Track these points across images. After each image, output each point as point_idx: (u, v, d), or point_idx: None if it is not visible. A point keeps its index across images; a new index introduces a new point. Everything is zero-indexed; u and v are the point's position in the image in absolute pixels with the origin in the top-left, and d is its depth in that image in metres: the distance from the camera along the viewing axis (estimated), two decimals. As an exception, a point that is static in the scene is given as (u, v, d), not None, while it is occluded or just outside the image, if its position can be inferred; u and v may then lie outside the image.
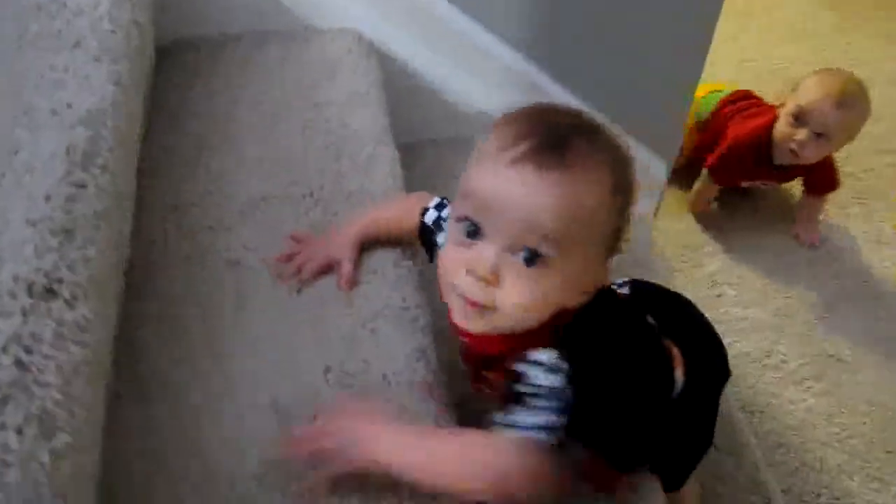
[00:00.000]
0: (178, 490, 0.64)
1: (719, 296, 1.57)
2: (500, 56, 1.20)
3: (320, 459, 0.63)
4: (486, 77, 1.21)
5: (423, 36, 1.14)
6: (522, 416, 0.62)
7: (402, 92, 1.15)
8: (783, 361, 1.45)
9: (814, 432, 1.35)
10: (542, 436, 0.62)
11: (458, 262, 0.62)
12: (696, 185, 1.65)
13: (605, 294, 0.69)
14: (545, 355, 0.63)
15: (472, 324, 0.64)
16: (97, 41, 0.71)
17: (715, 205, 1.68)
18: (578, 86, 1.27)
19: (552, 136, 0.60)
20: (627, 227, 0.65)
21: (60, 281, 0.54)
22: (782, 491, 1.23)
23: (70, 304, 0.53)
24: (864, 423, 1.36)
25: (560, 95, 1.26)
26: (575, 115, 0.65)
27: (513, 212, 0.59)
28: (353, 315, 0.78)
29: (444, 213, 0.77)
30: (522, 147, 0.60)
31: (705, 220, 1.67)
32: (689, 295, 1.53)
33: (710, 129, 1.64)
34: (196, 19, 1.04)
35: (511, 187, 0.59)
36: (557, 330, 0.64)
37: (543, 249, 0.60)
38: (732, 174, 1.61)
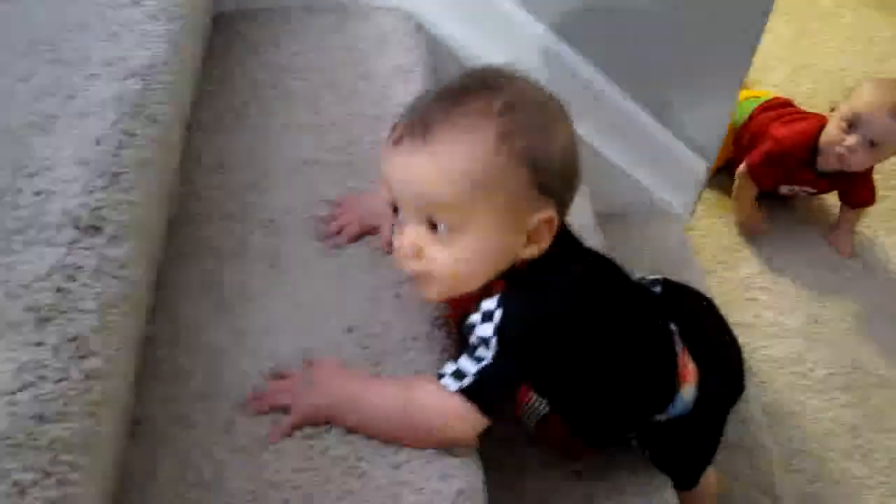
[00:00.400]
0: (200, 435, 0.68)
1: (752, 300, 1.56)
2: (549, 47, 1.21)
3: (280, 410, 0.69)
4: (534, 67, 1.22)
5: (472, 20, 1.16)
6: (463, 364, 0.67)
7: (447, 72, 1.18)
8: (811, 370, 1.44)
9: (837, 443, 1.34)
10: (468, 381, 0.66)
11: (396, 243, 0.68)
12: (735, 190, 1.62)
13: (566, 242, 0.71)
14: (489, 302, 0.67)
15: (426, 293, 0.69)
16: (155, 0, 0.74)
17: (766, 225, 1.64)
18: (623, 79, 1.27)
19: (419, 110, 0.65)
20: (549, 164, 0.65)
21: (104, 219, 0.57)
22: (798, 499, 1.23)
23: (112, 240, 0.57)
24: (890, 439, 1.34)
25: (605, 88, 1.27)
26: (461, 79, 0.67)
27: (402, 189, 0.65)
28: (380, 279, 0.81)
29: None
30: (398, 128, 0.65)
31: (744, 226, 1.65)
32: (721, 297, 1.53)
33: (745, 133, 1.62)
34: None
35: (393, 167, 0.65)
36: (511, 277, 0.67)
37: (442, 218, 0.63)
38: (773, 175, 1.59)
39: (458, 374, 0.66)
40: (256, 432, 0.69)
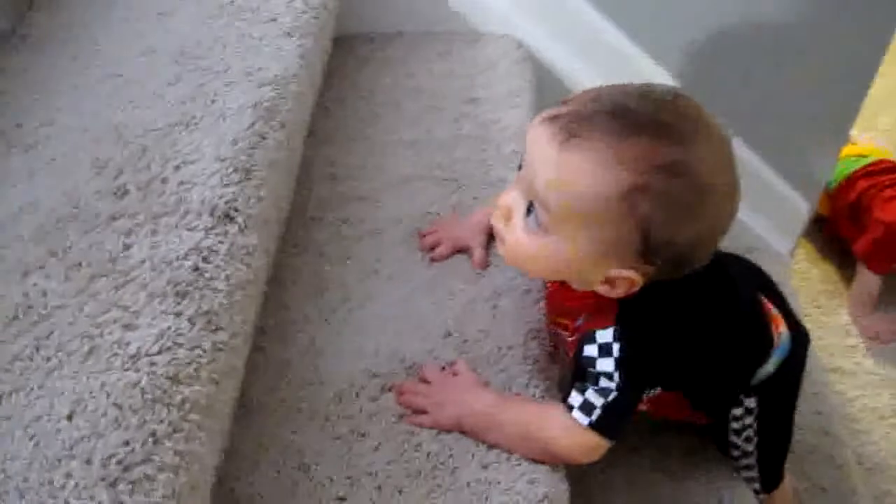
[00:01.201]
0: (301, 421, 0.72)
1: (852, 347, 1.52)
2: (655, 78, 1.23)
3: (413, 411, 0.73)
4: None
5: (580, 49, 1.20)
6: (591, 397, 0.68)
7: (554, 98, 1.21)
8: (913, 423, 1.38)
9: (934, 501, 1.28)
10: (598, 414, 0.67)
11: (501, 197, 0.69)
12: (855, 283, 1.54)
13: (669, 285, 0.68)
14: (605, 335, 0.68)
15: (499, 249, 0.70)
16: (290, 18, 0.81)
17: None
18: (729, 112, 1.27)
19: (588, 110, 0.61)
20: (666, 247, 0.62)
21: (237, 210, 0.63)
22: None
23: (242, 230, 0.63)
24: None
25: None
26: (651, 108, 0.61)
27: (528, 164, 0.64)
28: (479, 290, 0.84)
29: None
30: (558, 110, 0.63)
31: (845, 269, 1.60)
32: (819, 341, 1.50)
33: (843, 196, 1.56)
34: (372, 17, 1.15)
35: (533, 141, 0.63)
36: (622, 307, 0.68)
37: (538, 210, 0.64)
38: (889, 258, 1.50)
39: (587, 407, 0.68)
40: (353, 424, 0.73)
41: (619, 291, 0.66)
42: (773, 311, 0.81)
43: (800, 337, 0.83)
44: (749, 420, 0.83)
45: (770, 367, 0.80)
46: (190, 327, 0.55)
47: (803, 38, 1.19)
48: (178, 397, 0.51)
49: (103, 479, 0.46)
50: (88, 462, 0.47)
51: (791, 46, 1.19)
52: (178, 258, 0.58)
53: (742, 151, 1.31)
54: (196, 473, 0.51)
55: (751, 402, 0.81)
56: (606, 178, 0.59)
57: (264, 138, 0.69)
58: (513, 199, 0.66)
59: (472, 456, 0.71)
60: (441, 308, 0.83)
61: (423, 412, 0.73)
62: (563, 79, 1.21)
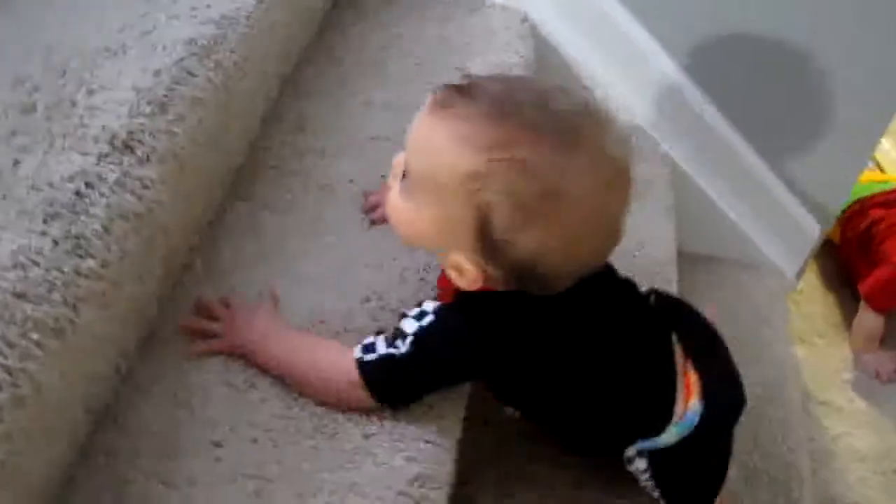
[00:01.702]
0: (198, 364, 0.73)
1: (847, 382, 1.45)
2: (669, 76, 1.18)
3: (205, 336, 0.73)
4: (648, 93, 1.20)
5: (591, 34, 1.16)
6: (378, 342, 0.68)
7: (557, 79, 1.18)
8: (894, 470, 1.32)
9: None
10: (372, 358, 0.67)
11: None
12: (858, 318, 1.47)
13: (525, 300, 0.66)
14: (429, 304, 0.67)
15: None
16: (256, -41, 0.80)
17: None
18: (743, 119, 1.22)
19: (481, 88, 0.61)
20: (503, 246, 0.60)
21: (140, 142, 0.63)
22: None
23: (142, 161, 0.63)
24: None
25: (721, 127, 1.22)
26: (539, 104, 0.59)
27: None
28: (412, 261, 0.83)
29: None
30: (463, 80, 0.63)
31: (855, 299, 1.52)
32: (813, 371, 1.43)
33: (854, 224, 1.48)
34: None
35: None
36: (466, 295, 0.66)
37: (407, 173, 0.64)
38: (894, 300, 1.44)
39: (368, 348, 0.68)
40: (248, 374, 0.73)
41: (462, 283, 0.64)
42: (692, 377, 0.75)
43: (716, 412, 0.75)
44: (645, 477, 0.78)
45: (669, 437, 0.75)
46: (52, 247, 0.55)
47: (831, 50, 1.12)
48: (20, 315, 0.52)
49: (-83, 382, 0.47)
50: None
51: (818, 58, 1.13)
52: (61, 179, 0.58)
53: (752, 161, 1.25)
54: (24, 391, 0.52)
55: (641, 463, 0.77)
56: (456, 155, 0.59)
57: (192, 75, 0.69)
58: (403, 160, 0.65)
59: (355, 424, 0.70)
60: (370, 272, 0.82)
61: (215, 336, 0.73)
62: (568, 59, 1.17)
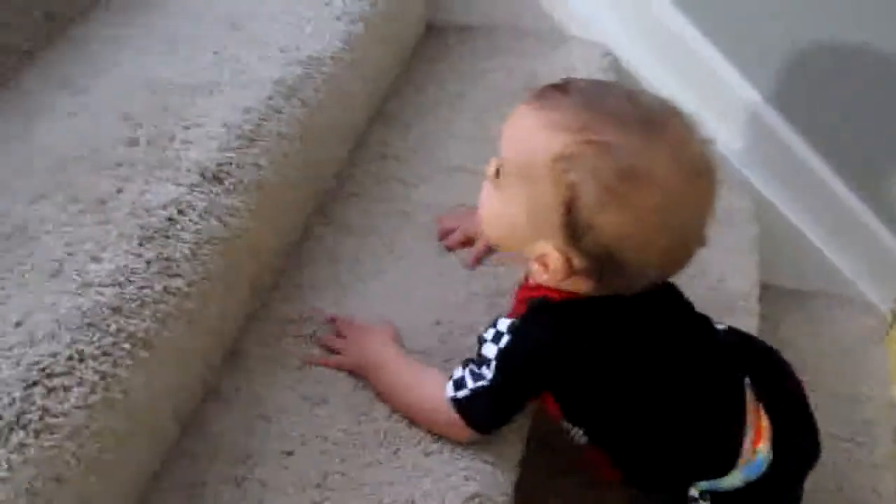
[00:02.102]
0: (279, 376, 0.78)
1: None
2: (752, 106, 1.17)
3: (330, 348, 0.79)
4: (732, 123, 1.19)
5: (673, 66, 1.16)
6: (465, 375, 0.70)
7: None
8: None
9: None
10: (464, 394, 0.69)
11: None
12: None
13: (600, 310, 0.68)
14: (503, 323, 0.69)
15: None
16: (343, 3, 0.86)
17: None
18: (831, 148, 1.19)
19: (577, 86, 0.65)
20: (595, 234, 0.62)
21: (228, 174, 0.69)
22: None
23: (228, 192, 0.69)
24: None
25: (809, 157, 1.20)
26: (628, 99, 0.64)
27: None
28: (483, 286, 0.86)
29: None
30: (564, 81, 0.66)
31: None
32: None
33: None
34: (463, 9, 1.19)
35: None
36: (539, 305, 0.69)
37: (500, 165, 0.67)
38: None
39: (459, 383, 0.70)
40: (320, 389, 0.78)
41: (548, 278, 0.66)
42: (764, 423, 0.75)
43: (787, 460, 0.75)
44: None
45: (734, 480, 0.74)
46: (146, 268, 0.62)
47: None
48: (114, 326, 0.59)
49: (23, 380, 0.54)
50: (17, 364, 0.55)
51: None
52: (156, 206, 0.65)
53: (844, 191, 1.22)
54: (116, 394, 0.58)
55: None
56: (546, 139, 0.63)
57: (279, 112, 0.75)
58: (495, 161, 0.69)
59: (419, 442, 0.74)
60: (441, 296, 0.86)
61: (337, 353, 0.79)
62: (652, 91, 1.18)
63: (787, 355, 1.24)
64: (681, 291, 0.77)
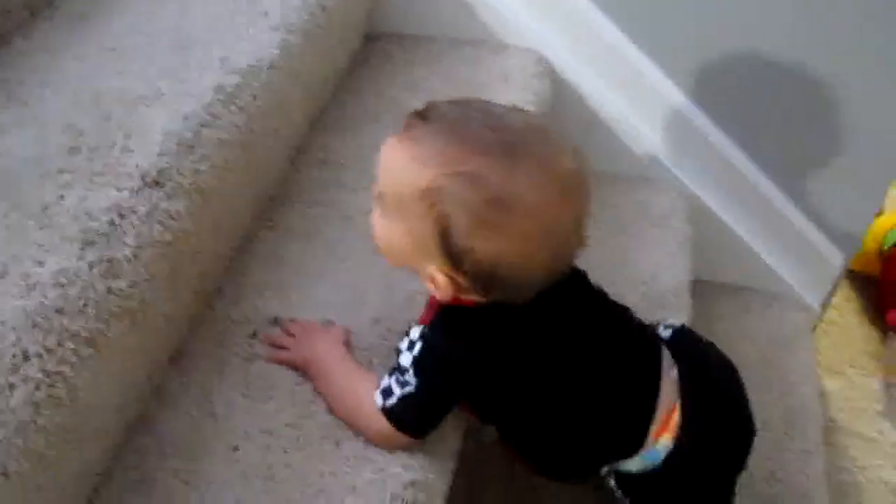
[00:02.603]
0: (225, 376, 0.81)
1: (881, 414, 1.45)
2: (682, 110, 1.23)
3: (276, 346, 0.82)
4: (664, 127, 1.25)
5: (605, 72, 1.21)
6: (392, 384, 0.73)
7: (573, 118, 1.24)
8: (924, 502, 1.31)
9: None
10: (392, 403, 0.72)
11: None
12: (886, 348, 1.50)
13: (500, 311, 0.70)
14: (415, 331, 0.72)
15: None
16: (280, 13, 0.89)
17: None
18: (760, 149, 1.25)
19: (439, 113, 0.67)
20: (474, 259, 0.64)
21: (168, 178, 0.72)
22: None
23: (169, 196, 0.71)
24: None
25: (739, 159, 1.26)
26: (489, 123, 0.65)
27: None
28: (420, 285, 0.89)
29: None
30: (428, 106, 0.69)
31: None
32: (844, 402, 1.44)
33: (891, 266, 1.49)
34: (403, 19, 1.22)
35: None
36: (444, 311, 0.72)
37: (380, 194, 0.70)
38: None
39: (386, 392, 0.73)
40: (265, 384, 0.80)
41: (439, 294, 0.69)
42: (674, 417, 0.79)
43: (690, 454, 0.79)
44: (618, 494, 0.82)
45: (632, 465, 0.79)
46: (88, 270, 0.64)
47: (850, 77, 1.15)
48: (58, 326, 0.61)
49: (-31, 380, 0.56)
50: (-38, 363, 0.57)
51: (837, 85, 1.16)
52: (98, 211, 0.67)
53: (773, 191, 1.28)
54: (60, 391, 0.60)
55: (611, 481, 0.81)
56: (414, 173, 0.65)
57: (216, 118, 0.78)
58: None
59: (359, 434, 0.77)
60: (380, 296, 0.89)
61: (285, 349, 0.82)
62: (584, 96, 1.23)
63: (723, 348, 1.31)
64: (589, 283, 0.80)
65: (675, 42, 1.18)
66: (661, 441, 0.78)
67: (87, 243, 0.65)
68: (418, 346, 0.72)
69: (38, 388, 0.59)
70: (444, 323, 0.72)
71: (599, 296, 0.81)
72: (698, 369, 0.83)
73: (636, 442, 0.78)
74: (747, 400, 0.86)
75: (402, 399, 0.72)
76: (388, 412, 0.73)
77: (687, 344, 0.85)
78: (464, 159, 0.63)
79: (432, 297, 0.75)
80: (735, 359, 1.26)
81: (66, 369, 0.61)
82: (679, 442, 0.78)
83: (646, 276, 1.16)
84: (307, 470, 0.75)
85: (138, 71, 0.82)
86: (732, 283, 1.40)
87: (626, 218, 1.25)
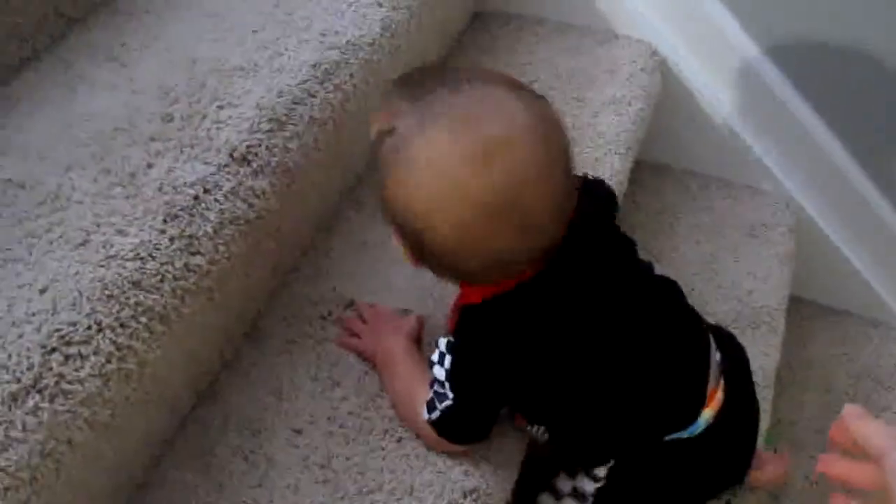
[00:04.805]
0: (295, 357, 0.80)
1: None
2: (801, 119, 1.14)
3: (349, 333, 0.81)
4: (772, 127, 1.17)
5: (720, 68, 1.14)
6: (433, 398, 0.71)
7: (681, 115, 1.18)
8: None
9: None
10: (437, 415, 0.70)
11: None
12: None
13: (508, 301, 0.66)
14: (443, 343, 0.69)
15: None
16: (387, -10, 0.86)
17: None
18: (879, 169, 1.16)
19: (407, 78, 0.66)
20: (409, 226, 0.62)
21: (256, 155, 0.71)
22: None
23: (255, 174, 0.70)
24: None
25: (856, 176, 1.17)
26: (437, 84, 0.63)
27: None
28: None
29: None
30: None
31: None
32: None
33: None
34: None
35: None
36: (462, 316, 0.69)
37: None
38: None
39: (431, 405, 0.71)
40: (334, 371, 0.79)
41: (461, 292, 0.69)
42: (718, 395, 0.75)
43: (723, 431, 0.75)
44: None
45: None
46: (168, 244, 0.63)
47: None
48: (134, 300, 0.60)
49: (43, 346, 0.56)
50: (38, 330, 0.57)
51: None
52: (184, 184, 0.67)
53: (887, 215, 1.19)
54: (130, 365, 0.60)
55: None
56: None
57: (312, 96, 0.76)
58: None
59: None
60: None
61: (357, 337, 0.81)
62: (696, 93, 1.16)
63: (812, 374, 1.24)
64: (636, 254, 0.75)
65: (800, 46, 1.09)
66: (704, 414, 0.74)
67: (170, 217, 0.65)
68: (448, 359, 0.69)
69: (108, 360, 0.58)
70: (467, 327, 0.68)
71: (645, 269, 0.75)
72: (733, 358, 0.81)
73: (691, 416, 0.74)
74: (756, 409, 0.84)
75: (444, 412, 0.70)
76: (434, 425, 0.71)
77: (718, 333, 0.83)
78: (390, 115, 0.62)
79: (453, 303, 0.72)
80: (822, 386, 1.19)
81: (137, 344, 0.60)
82: (720, 416, 0.75)
83: (741, 292, 1.10)
84: (366, 463, 0.73)
85: (236, 40, 0.80)
86: (831, 305, 1.32)
87: (725, 225, 1.19)
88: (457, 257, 0.62)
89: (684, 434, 0.73)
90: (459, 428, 0.71)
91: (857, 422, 0.50)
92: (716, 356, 0.77)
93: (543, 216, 0.61)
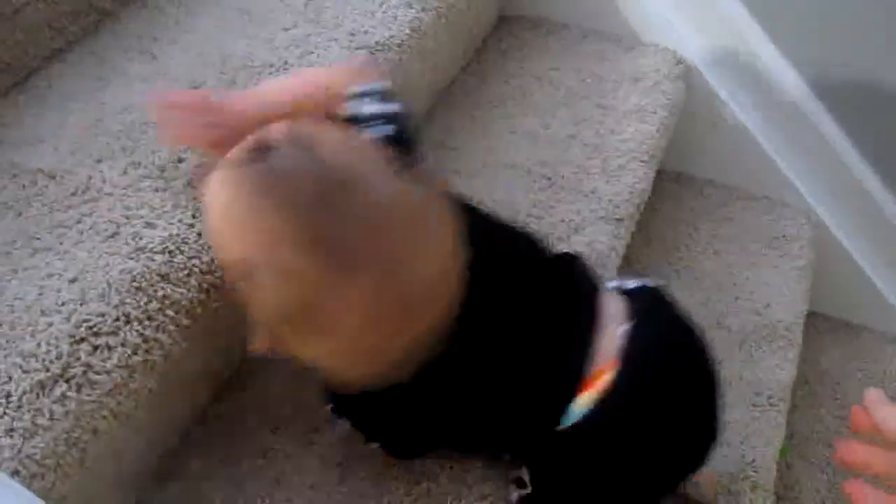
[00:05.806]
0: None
1: None
2: (826, 133, 1.14)
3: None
4: (797, 141, 1.16)
5: (744, 80, 1.14)
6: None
7: (704, 125, 1.17)
8: None
9: None
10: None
11: None
12: None
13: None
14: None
15: None
16: (416, -8, 0.86)
17: None
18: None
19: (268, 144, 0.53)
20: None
21: (285, 152, 0.71)
22: None
23: (283, 171, 0.70)
24: None
25: (878, 192, 1.17)
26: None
27: None
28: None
29: (371, 107, 0.64)
30: None
31: None
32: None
33: None
34: (541, 3, 1.17)
35: None
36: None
37: None
38: None
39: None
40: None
41: None
42: (605, 377, 0.65)
43: (610, 425, 0.65)
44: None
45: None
46: (197, 239, 0.64)
47: None
48: (161, 293, 0.61)
49: (71, 336, 0.57)
50: (67, 319, 0.57)
51: None
52: (213, 180, 0.67)
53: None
54: (156, 358, 0.61)
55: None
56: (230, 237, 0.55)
57: (340, 95, 0.76)
58: None
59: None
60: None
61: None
62: (718, 104, 1.15)
63: (827, 388, 1.23)
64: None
65: (826, 59, 1.09)
66: (580, 400, 0.65)
67: (199, 211, 0.65)
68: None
69: (135, 352, 0.59)
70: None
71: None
72: (654, 334, 0.68)
73: (557, 410, 0.66)
74: (715, 395, 0.71)
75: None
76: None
77: (651, 305, 0.71)
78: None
79: None
80: (837, 402, 1.18)
81: (163, 337, 0.61)
82: (601, 406, 0.65)
83: (758, 305, 1.10)
84: (382, 469, 0.73)
85: (266, 37, 0.81)
86: (848, 320, 1.31)
87: (744, 237, 1.18)
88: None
89: (567, 423, 0.65)
90: (376, 437, 0.72)
91: (878, 406, 0.50)
92: (617, 329, 0.67)
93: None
